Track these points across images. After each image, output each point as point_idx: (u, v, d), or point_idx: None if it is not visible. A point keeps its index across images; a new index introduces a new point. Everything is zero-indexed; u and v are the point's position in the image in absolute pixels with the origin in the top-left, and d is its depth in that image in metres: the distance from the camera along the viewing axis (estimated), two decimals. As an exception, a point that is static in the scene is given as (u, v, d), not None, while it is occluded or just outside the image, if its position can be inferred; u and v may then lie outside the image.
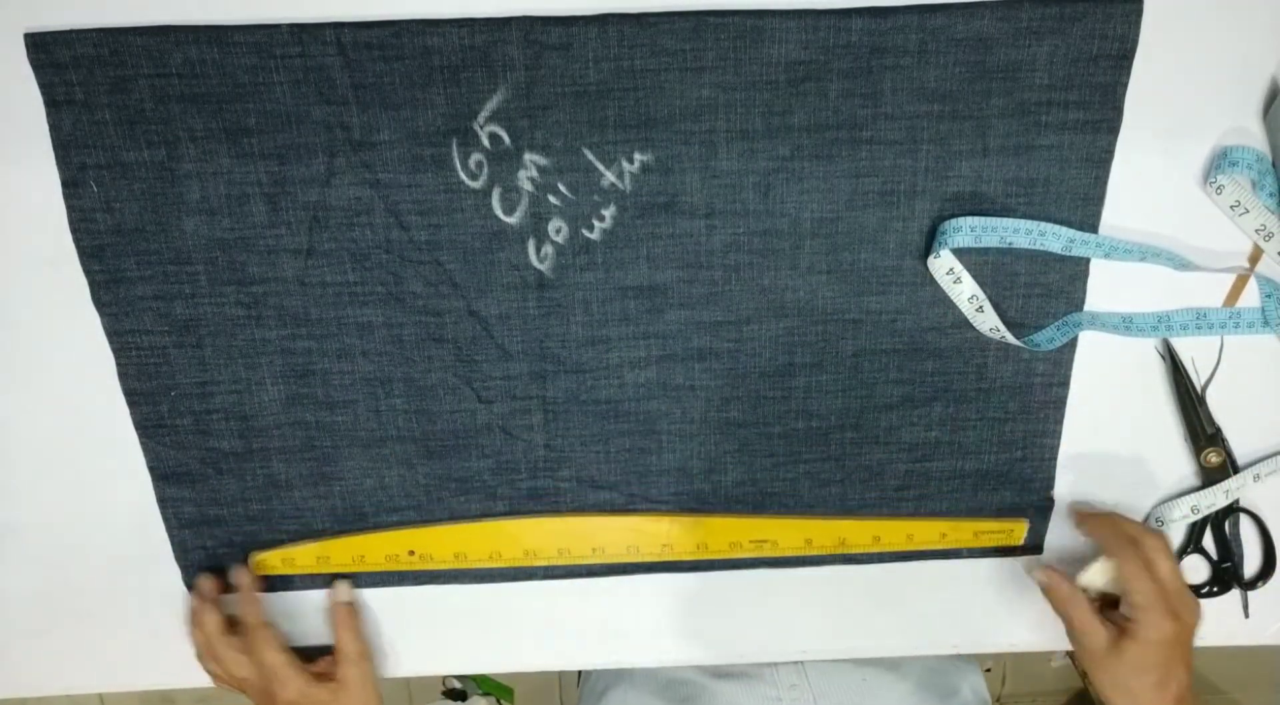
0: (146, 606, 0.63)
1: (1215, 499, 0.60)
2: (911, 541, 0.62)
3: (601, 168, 0.53)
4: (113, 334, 0.56)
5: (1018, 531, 0.62)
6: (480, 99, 0.51)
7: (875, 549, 0.62)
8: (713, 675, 0.72)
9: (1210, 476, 0.60)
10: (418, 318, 0.56)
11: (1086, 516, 0.60)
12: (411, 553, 0.61)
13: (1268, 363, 0.58)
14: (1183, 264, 0.54)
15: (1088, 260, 0.55)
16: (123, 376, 0.57)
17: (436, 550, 0.61)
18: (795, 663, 0.72)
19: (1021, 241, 0.53)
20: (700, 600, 0.64)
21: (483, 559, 0.62)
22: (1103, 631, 0.56)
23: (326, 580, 0.62)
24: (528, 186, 0.53)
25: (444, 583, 0.63)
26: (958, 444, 0.60)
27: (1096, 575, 0.58)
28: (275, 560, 0.61)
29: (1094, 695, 0.59)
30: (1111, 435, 0.60)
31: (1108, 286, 0.56)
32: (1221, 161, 0.53)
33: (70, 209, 0.53)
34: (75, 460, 0.59)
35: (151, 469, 0.59)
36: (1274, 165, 0.53)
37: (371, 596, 0.63)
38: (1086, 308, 0.56)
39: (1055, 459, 0.60)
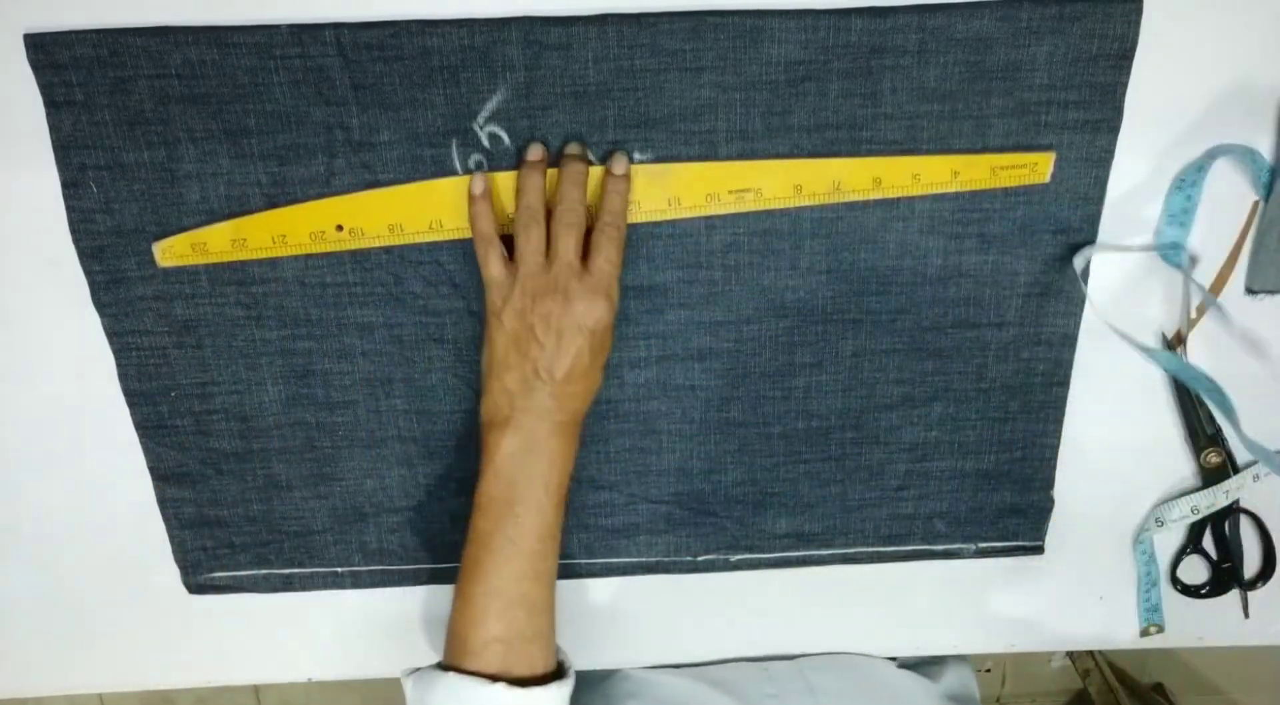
0: (146, 606, 0.63)
1: (1215, 499, 0.60)
2: (918, 182, 0.53)
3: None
4: (113, 334, 0.56)
5: (1042, 164, 0.53)
6: (480, 99, 0.51)
7: (874, 195, 0.54)
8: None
9: (1210, 476, 0.60)
10: (418, 318, 0.56)
11: None
12: (340, 228, 0.54)
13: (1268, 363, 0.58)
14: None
15: (1088, 261, 0.55)
16: (123, 377, 0.57)
17: (368, 224, 0.54)
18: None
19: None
20: (700, 600, 0.64)
21: (421, 230, 0.54)
22: None
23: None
24: (528, 186, 0.53)
25: (444, 582, 0.63)
26: (958, 444, 0.60)
27: None
28: (184, 247, 0.54)
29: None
30: (1111, 435, 0.60)
31: (1108, 287, 0.56)
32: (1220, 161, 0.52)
33: (70, 209, 0.53)
34: (75, 460, 0.59)
35: (151, 469, 0.59)
36: (1274, 165, 0.53)
37: (370, 596, 0.63)
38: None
39: (1055, 459, 0.60)
